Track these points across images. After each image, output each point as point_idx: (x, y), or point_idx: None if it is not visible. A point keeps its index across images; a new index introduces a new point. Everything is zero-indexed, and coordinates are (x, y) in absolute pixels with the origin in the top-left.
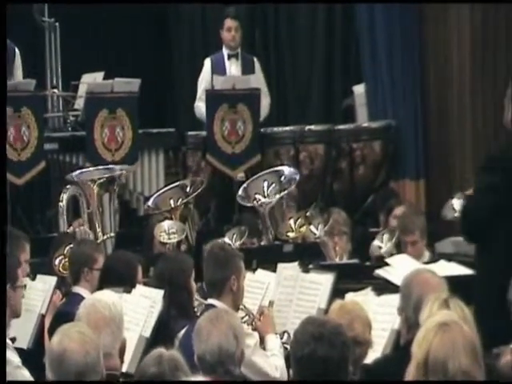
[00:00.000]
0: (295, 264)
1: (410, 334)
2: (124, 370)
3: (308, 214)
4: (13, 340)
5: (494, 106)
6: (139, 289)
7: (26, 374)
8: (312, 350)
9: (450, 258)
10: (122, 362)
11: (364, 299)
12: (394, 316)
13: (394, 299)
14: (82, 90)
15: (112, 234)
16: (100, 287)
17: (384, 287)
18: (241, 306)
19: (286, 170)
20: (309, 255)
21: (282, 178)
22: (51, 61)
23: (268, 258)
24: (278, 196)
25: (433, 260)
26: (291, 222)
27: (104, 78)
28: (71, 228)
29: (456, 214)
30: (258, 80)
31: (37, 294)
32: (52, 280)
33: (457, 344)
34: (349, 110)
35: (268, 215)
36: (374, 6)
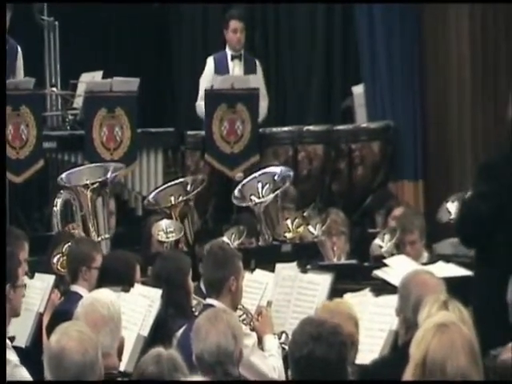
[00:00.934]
0: (293, 264)
1: (408, 335)
2: (122, 369)
3: (305, 214)
4: (11, 339)
5: (493, 106)
6: (137, 288)
7: (24, 373)
8: (310, 350)
9: (448, 259)
10: (120, 360)
11: (362, 300)
12: (392, 317)
13: (392, 300)
14: (81, 88)
15: (107, 236)
16: (98, 286)
17: (382, 288)
18: (239, 306)
19: (279, 169)
20: (307, 255)
21: (276, 177)
22: (50, 59)
23: (266, 258)
24: (272, 195)
25: (431, 261)
26: (288, 222)
27: (103, 77)
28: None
29: (451, 217)
30: (258, 81)
31: (35, 292)
32: (50, 278)
33: (455, 345)
34: (348, 111)
35: (264, 215)
36: (374, 7)
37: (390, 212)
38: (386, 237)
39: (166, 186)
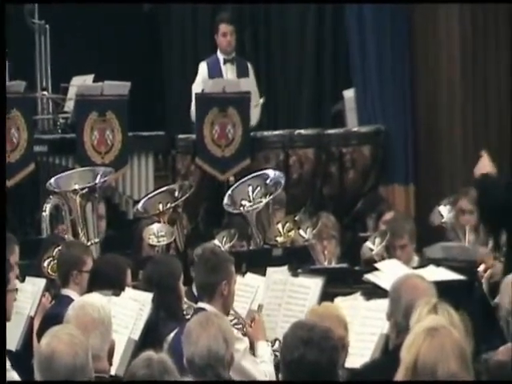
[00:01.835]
0: (284, 268)
1: (398, 339)
2: (113, 372)
3: (296, 218)
4: None
5: (484, 109)
6: (128, 292)
7: (15, 377)
8: (301, 354)
9: (439, 263)
10: (110, 364)
11: (353, 304)
12: (382, 321)
13: (382, 304)
14: (72, 92)
15: (96, 240)
16: (89, 290)
17: (373, 292)
18: (232, 312)
19: (271, 173)
20: (298, 259)
21: (268, 181)
22: (41, 63)
23: (257, 262)
24: (264, 201)
25: (422, 265)
26: (279, 226)
27: (94, 81)
28: None
29: (443, 220)
30: (250, 84)
31: (26, 296)
32: (41, 282)
33: (445, 349)
34: (338, 115)
35: (255, 220)
36: (364, 10)
37: (380, 216)
38: (377, 240)
39: (154, 193)
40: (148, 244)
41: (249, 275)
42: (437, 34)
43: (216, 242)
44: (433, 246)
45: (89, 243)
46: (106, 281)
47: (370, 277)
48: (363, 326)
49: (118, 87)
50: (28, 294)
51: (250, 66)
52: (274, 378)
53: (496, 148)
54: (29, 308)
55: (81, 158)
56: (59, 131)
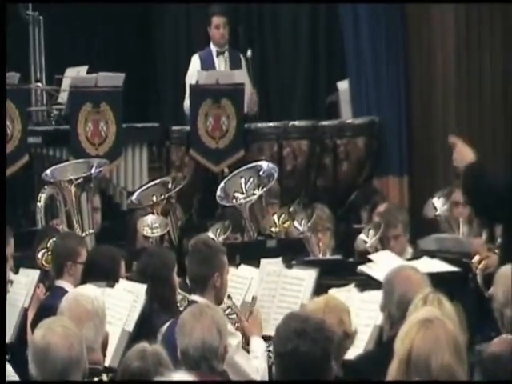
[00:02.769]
0: (278, 260)
1: (392, 331)
2: (107, 364)
3: (291, 209)
4: None
5: (479, 100)
6: (122, 283)
7: (9, 369)
8: (295, 346)
9: (432, 254)
10: (104, 356)
11: (347, 295)
12: (376, 312)
13: (376, 295)
14: (66, 83)
15: (91, 231)
16: (83, 281)
17: (367, 283)
18: (228, 303)
19: (265, 164)
20: (292, 251)
21: (261, 173)
22: (35, 54)
23: (251, 254)
24: (257, 193)
25: (416, 257)
26: (275, 217)
27: (88, 72)
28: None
29: (437, 213)
30: (243, 76)
31: (20, 287)
32: (35, 273)
33: (439, 340)
34: (333, 107)
35: (248, 212)
36: (359, 3)
37: (374, 208)
38: (371, 232)
39: (147, 186)
40: (142, 235)
41: (243, 267)
42: (432, 28)
43: (210, 234)
44: (427, 237)
45: (83, 234)
46: (100, 272)
47: (363, 268)
48: (357, 318)
49: (112, 79)
50: (22, 286)
51: (242, 57)
52: (266, 375)
53: (490, 138)
54: (23, 299)
55: (75, 149)
56: (53, 123)
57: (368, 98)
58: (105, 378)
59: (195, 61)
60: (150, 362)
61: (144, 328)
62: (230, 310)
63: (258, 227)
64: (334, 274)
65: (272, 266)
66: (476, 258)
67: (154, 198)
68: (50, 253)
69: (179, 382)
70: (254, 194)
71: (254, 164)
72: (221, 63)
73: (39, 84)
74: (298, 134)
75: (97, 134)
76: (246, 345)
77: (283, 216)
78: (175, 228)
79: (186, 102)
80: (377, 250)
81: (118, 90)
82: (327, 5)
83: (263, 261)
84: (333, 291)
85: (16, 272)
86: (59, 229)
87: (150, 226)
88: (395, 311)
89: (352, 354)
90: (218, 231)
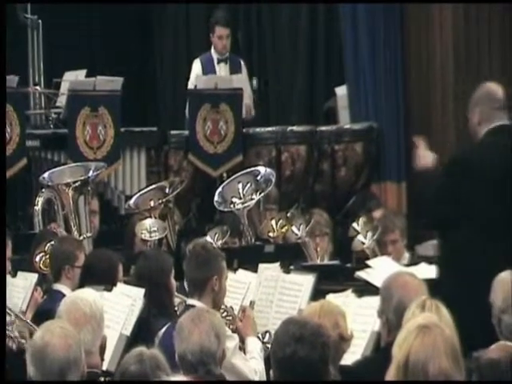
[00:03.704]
0: (276, 264)
1: (390, 337)
2: (104, 368)
3: (289, 214)
4: None
5: None
6: (120, 287)
7: None
8: (293, 350)
9: (431, 260)
10: (102, 359)
11: (345, 301)
12: (374, 318)
13: (374, 301)
14: (64, 87)
15: (89, 235)
16: (81, 285)
17: (364, 289)
18: (222, 307)
19: (262, 169)
20: (290, 256)
21: (259, 178)
22: (34, 58)
23: (249, 258)
24: (255, 198)
25: (414, 262)
26: (273, 222)
27: (86, 76)
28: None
29: None
30: (242, 81)
31: (18, 290)
32: (33, 277)
33: (437, 346)
34: (331, 112)
35: (246, 217)
36: (357, 8)
37: (370, 213)
38: (369, 234)
39: (144, 191)
40: (140, 239)
41: (240, 272)
42: (430, 34)
43: (208, 238)
44: (425, 243)
45: (81, 237)
46: (98, 276)
47: (361, 274)
48: (354, 323)
49: (111, 83)
50: (20, 289)
51: (242, 63)
52: (264, 375)
53: None
54: (20, 303)
55: (73, 153)
56: (51, 126)
57: (366, 104)
58: (103, 381)
59: (197, 65)
60: (147, 365)
61: (142, 332)
62: (225, 312)
63: (256, 232)
64: (332, 279)
65: (270, 270)
66: None
67: (152, 203)
68: (47, 256)
69: (178, 381)
70: (251, 199)
71: (251, 169)
72: (222, 70)
73: (38, 87)
74: (296, 139)
75: (95, 138)
76: (241, 344)
77: (281, 221)
78: (173, 232)
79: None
80: (374, 252)
81: (116, 94)
82: (326, 11)
83: (261, 266)
84: (330, 297)
85: (14, 275)
86: (57, 232)
87: (149, 229)
88: (393, 317)
89: (350, 359)
90: (216, 236)
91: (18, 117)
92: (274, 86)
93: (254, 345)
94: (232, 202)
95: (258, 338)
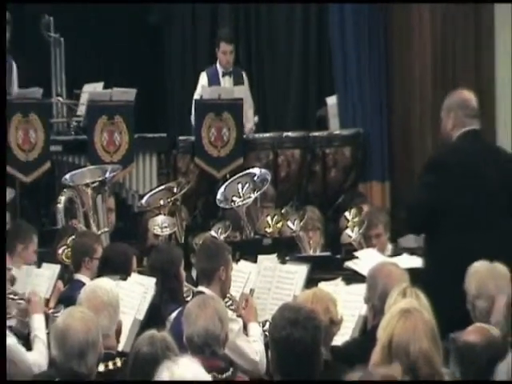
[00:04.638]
0: (274, 256)
1: (375, 320)
2: (120, 349)
3: (283, 211)
4: None
5: None
6: (134, 276)
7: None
8: (288, 333)
9: (412, 251)
10: (118, 342)
11: (335, 288)
12: (361, 303)
13: (361, 288)
14: (84, 98)
15: (106, 230)
16: (99, 275)
17: (353, 277)
18: (228, 295)
19: (257, 171)
20: (286, 248)
21: (255, 178)
22: (56, 71)
23: (249, 251)
24: (252, 196)
25: (397, 253)
26: (268, 218)
27: (103, 88)
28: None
29: None
30: (244, 92)
31: (42, 280)
32: (56, 268)
33: (418, 329)
34: (322, 120)
35: (245, 214)
36: (346, 25)
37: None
38: (355, 228)
39: (155, 191)
40: (153, 234)
41: (242, 262)
42: (411, 46)
43: (212, 232)
44: (406, 236)
45: (99, 232)
46: (114, 267)
47: (350, 264)
48: (344, 309)
49: (126, 94)
50: (45, 279)
51: (244, 75)
52: (263, 356)
53: None
54: (45, 291)
55: (92, 156)
56: (72, 133)
57: (354, 112)
58: (118, 361)
59: (203, 78)
60: (158, 347)
61: (154, 317)
62: (230, 301)
63: (255, 227)
64: (324, 269)
65: (268, 261)
66: None
67: (162, 201)
68: (69, 249)
69: (176, 382)
70: (249, 197)
71: (248, 171)
72: (226, 82)
73: (60, 98)
74: (291, 143)
75: (111, 143)
76: (244, 330)
77: (276, 217)
78: (181, 228)
79: (193, 115)
80: (360, 244)
81: (130, 103)
82: (317, 27)
83: (260, 257)
84: (322, 284)
85: (39, 266)
86: (77, 228)
87: (160, 225)
88: (378, 303)
89: (340, 340)
90: (220, 230)
91: (42, 124)
92: (271, 96)
93: (256, 329)
94: (233, 201)
95: (259, 324)
